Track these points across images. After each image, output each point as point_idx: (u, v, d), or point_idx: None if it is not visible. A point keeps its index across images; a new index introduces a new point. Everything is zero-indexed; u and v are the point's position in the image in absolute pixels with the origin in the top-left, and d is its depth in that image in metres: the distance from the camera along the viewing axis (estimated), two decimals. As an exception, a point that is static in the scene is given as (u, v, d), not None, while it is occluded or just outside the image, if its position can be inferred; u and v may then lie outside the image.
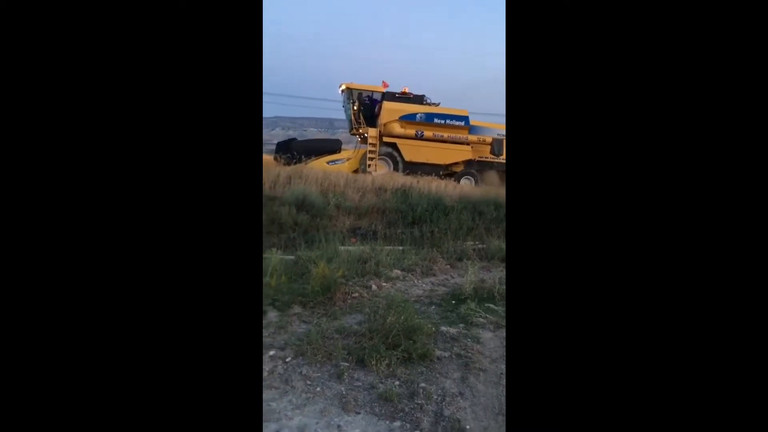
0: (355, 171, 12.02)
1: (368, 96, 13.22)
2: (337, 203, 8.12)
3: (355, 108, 13.10)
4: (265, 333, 2.98)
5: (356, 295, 3.74)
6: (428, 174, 11.92)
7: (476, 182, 12.65)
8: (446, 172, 13.04)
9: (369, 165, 12.46)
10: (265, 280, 3.84)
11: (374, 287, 4.02)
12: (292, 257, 4.74)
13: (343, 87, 13.28)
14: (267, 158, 11.77)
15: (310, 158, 12.19)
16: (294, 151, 12.28)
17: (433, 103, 13.39)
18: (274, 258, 4.19)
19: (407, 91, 13.38)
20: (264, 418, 2.10)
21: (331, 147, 13.35)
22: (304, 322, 3.22)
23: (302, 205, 7.58)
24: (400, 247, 5.71)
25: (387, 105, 12.77)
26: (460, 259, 5.34)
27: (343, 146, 13.68)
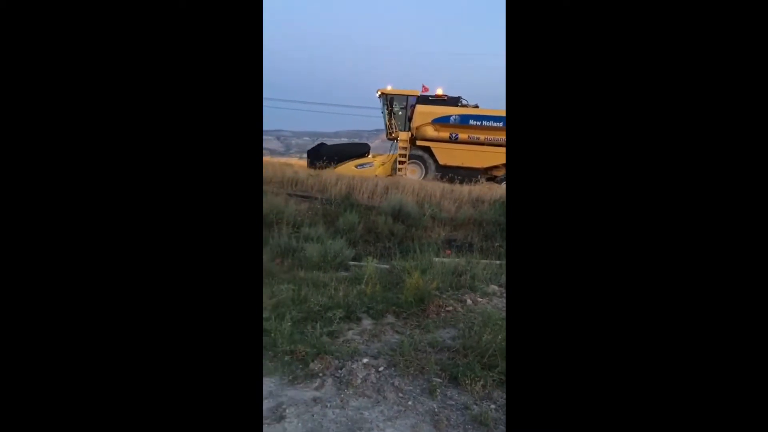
0: (389, 175, 11.95)
1: (403, 100, 13.12)
2: (433, 214, 8.07)
3: (388, 112, 13.08)
4: (359, 340, 3.03)
5: (450, 308, 3.64)
6: (467, 178, 11.39)
7: None
8: (486, 176, 12.37)
9: (400, 169, 12.28)
10: (360, 287, 3.92)
11: (469, 302, 3.88)
12: (386, 266, 4.80)
13: (379, 93, 13.34)
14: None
15: (339, 163, 12.41)
16: (323, 155, 12.60)
17: (471, 105, 12.79)
18: (369, 266, 4.27)
19: (441, 93, 12.97)
20: (355, 426, 2.11)
21: (359, 151, 13.51)
22: (397, 332, 3.21)
23: (398, 215, 7.68)
24: (498, 262, 5.46)
25: (419, 108, 12.53)
26: (564, 278, 4.93)
27: (381, 151, 13.69)
